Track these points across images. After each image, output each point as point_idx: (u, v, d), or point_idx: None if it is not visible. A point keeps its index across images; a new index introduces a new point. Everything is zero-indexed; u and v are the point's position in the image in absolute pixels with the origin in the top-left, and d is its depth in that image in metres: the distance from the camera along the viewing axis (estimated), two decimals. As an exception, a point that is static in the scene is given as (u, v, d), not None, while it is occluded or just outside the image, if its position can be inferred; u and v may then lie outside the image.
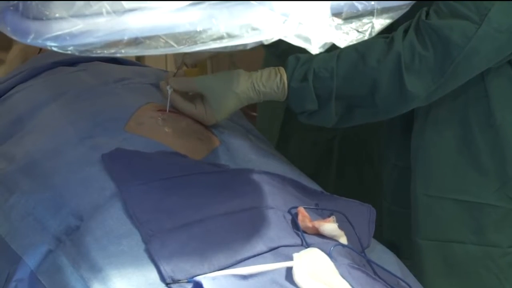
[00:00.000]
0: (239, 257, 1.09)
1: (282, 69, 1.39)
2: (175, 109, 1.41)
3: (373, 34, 0.94)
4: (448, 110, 1.44)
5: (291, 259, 1.06)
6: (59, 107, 1.43)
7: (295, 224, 1.19)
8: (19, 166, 1.28)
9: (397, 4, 0.96)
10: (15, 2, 0.88)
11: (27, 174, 1.25)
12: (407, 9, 0.97)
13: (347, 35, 0.93)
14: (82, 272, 1.06)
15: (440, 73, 1.34)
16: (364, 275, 1.13)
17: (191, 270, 1.05)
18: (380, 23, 0.94)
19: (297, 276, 1.03)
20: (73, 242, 1.11)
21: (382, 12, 0.94)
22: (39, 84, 1.55)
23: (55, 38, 0.86)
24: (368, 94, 1.37)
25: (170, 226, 1.10)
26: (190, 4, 0.87)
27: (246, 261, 1.09)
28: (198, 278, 1.02)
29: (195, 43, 0.88)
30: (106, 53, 0.87)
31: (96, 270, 1.05)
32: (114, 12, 0.86)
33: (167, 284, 1.04)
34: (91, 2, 0.85)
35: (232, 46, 0.89)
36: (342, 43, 0.93)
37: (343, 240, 1.21)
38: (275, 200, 1.23)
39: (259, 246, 1.12)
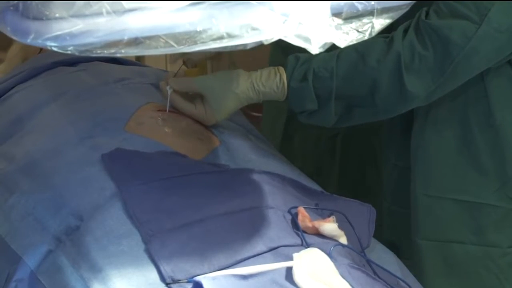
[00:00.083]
0: (239, 257, 1.09)
1: (281, 69, 1.39)
2: (175, 109, 1.41)
3: (373, 34, 0.94)
4: (448, 110, 1.44)
5: (291, 259, 1.06)
6: (59, 107, 1.43)
7: (295, 224, 1.19)
8: (19, 166, 1.28)
9: (397, 4, 0.96)
10: (15, 2, 0.88)
11: (27, 174, 1.25)
12: (407, 9, 0.97)
13: (347, 35, 0.93)
14: (82, 272, 1.06)
15: (440, 73, 1.34)
16: (364, 275, 1.13)
17: (191, 270, 1.05)
18: (380, 23, 0.94)
19: (297, 276, 1.03)
20: (73, 242, 1.11)
21: (382, 12, 0.94)
22: (39, 84, 1.55)
23: (55, 38, 0.86)
24: (368, 94, 1.37)
25: (170, 226, 1.10)
26: (190, 4, 0.87)
27: (246, 261, 1.09)
28: (198, 278, 1.02)
29: (195, 43, 0.88)
30: (106, 53, 0.87)
31: (96, 270, 1.05)
32: (114, 12, 0.86)
33: (167, 284, 1.04)
34: (91, 2, 0.85)
35: (232, 46, 0.89)
36: (342, 43, 0.93)
37: (343, 240, 1.21)
38: (275, 200, 1.23)
39: (259, 246, 1.12)
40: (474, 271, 1.47)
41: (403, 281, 1.23)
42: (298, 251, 1.08)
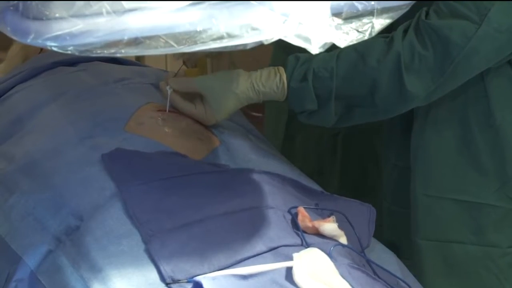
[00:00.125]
0: (239, 257, 1.09)
1: (281, 69, 1.39)
2: (175, 109, 1.41)
3: (373, 34, 0.94)
4: (447, 110, 1.44)
5: (291, 259, 1.06)
6: (59, 107, 1.43)
7: (295, 224, 1.19)
8: (19, 166, 1.28)
9: (397, 4, 0.96)
10: (15, 2, 0.88)
11: (27, 174, 1.25)
12: (407, 9, 0.97)
13: (347, 35, 0.93)
14: (82, 272, 1.06)
15: (440, 73, 1.34)
16: (364, 275, 1.13)
17: (191, 270, 1.05)
18: (380, 23, 0.94)
19: (297, 276, 1.03)
20: (73, 242, 1.11)
21: (382, 12, 0.94)
22: (39, 84, 1.55)
23: (55, 38, 0.86)
24: (368, 94, 1.37)
25: (170, 226, 1.10)
26: (190, 4, 0.87)
27: (246, 261, 1.09)
28: (198, 278, 1.02)
29: (195, 43, 0.88)
30: (106, 53, 0.87)
31: (96, 270, 1.05)
32: (114, 12, 0.86)
33: (167, 284, 1.04)
34: (91, 2, 0.85)
35: (232, 46, 0.89)
36: (342, 43, 0.93)
37: (343, 240, 1.21)
38: (275, 200, 1.23)
39: (259, 246, 1.12)
40: (474, 271, 1.47)
41: (403, 281, 1.23)
42: (298, 251, 1.08)
